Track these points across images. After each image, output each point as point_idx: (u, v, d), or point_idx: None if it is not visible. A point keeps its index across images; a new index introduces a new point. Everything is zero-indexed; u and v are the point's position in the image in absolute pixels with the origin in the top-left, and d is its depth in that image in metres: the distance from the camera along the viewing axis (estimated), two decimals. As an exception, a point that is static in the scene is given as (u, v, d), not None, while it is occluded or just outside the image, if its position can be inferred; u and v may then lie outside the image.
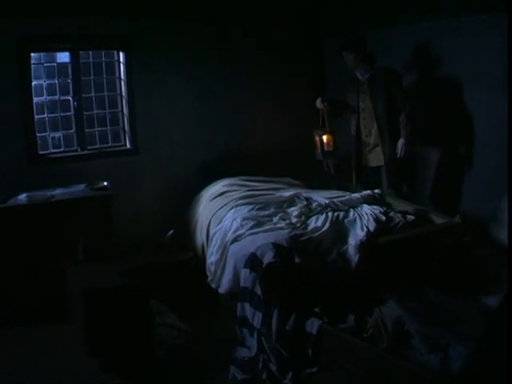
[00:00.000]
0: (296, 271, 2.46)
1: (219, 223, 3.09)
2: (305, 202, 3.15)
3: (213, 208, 3.30)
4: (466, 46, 3.26)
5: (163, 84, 3.86)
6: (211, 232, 3.12)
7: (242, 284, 2.58)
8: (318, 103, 3.54)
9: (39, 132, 3.58)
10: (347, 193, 3.39)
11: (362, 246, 2.56)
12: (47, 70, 3.58)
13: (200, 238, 3.29)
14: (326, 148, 3.51)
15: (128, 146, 3.90)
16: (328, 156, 3.57)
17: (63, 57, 3.64)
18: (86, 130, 3.76)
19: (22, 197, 3.09)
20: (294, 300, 2.38)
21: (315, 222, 2.88)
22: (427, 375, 1.94)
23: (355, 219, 2.91)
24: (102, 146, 3.84)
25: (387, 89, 3.36)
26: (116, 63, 3.80)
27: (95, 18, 3.49)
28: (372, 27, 3.72)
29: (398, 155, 3.38)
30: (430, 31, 3.46)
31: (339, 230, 2.79)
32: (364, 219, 2.88)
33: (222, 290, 2.86)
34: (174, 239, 3.58)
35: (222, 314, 2.91)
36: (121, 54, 3.77)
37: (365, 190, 3.37)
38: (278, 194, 3.40)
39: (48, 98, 3.60)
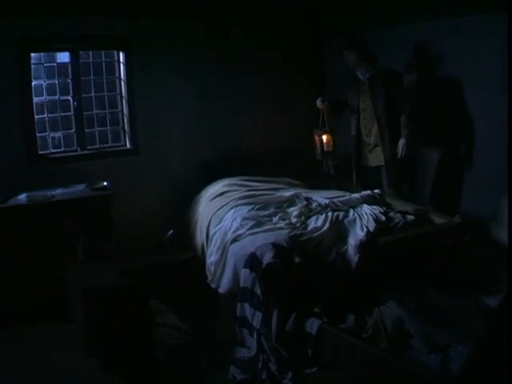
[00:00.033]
0: (296, 271, 2.46)
1: (219, 223, 3.09)
2: (305, 202, 3.15)
3: (213, 208, 3.30)
4: (466, 46, 3.26)
5: (163, 84, 3.86)
6: (211, 232, 3.12)
7: (241, 284, 2.58)
8: (319, 103, 3.54)
9: (39, 132, 3.58)
10: (347, 193, 3.39)
11: (362, 246, 2.56)
12: (47, 70, 3.58)
13: (200, 237, 3.30)
14: (325, 148, 3.51)
15: (128, 145, 3.90)
16: (327, 156, 3.57)
17: (63, 57, 3.64)
18: (86, 130, 3.76)
19: (22, 197, 3.09)
20: (294, 300, 2.38)
21: (315, 222, 2.88)
22: (427, 375, 1.94)
23: (355, 219, 2.91)
24: (101, 146, 3.84)
25: (388, 89, 3.36)
26: (116, 63, 3.80)
27: (95, 17, 3.49)
28: (372, 27, 3.72)
29: (399, 155, 3.38)
30: (430, 31, 3.47)
31: (339, 230, 2.79)
32: (364, 219, 2.88)
33: (221, 290, 2.86)
34: (173, 239, 3.58)
35: (222, 314, 2.91)
36: (121, 54, 3.77)
37: (365, 190, 3.37)
38: (278, 194, 3.40)
39: (48, 98, 3.60)
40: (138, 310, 2.46)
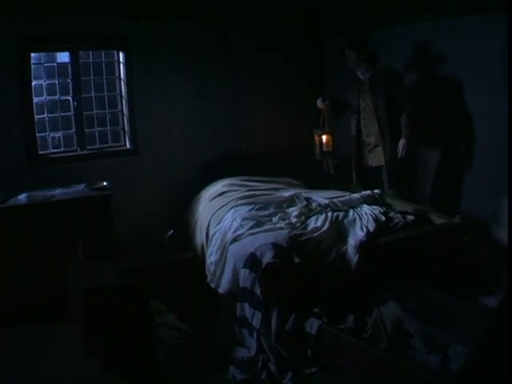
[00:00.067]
0: (295, 271, 2.46)
1: (219, 223, 3.09)
2: (304, 202, 3.15)
3: (212, 208, 3.30)
4: (466, 46, 3.26)
5: (163, 84, 3.86)
6: (211, 232, 3.12)
7: (241, 284, 2.58)
8: (319, 103, 3.54)
9: (39, 132, 3.58)
10: (347, 193, 3.39)
11: (362, 246, 2.55)
12: (47, 70, 3.58)
13: (200, 237, 3.30)
14: (324, 148, 3.51)
15: (128, 146, 3.90)
16: (326, 156, 3.57)
17: (63, 57, 3.64)
18: (86, 130, 3.76)
19: (22, 197, 3.09)
20: (294, 300, 2.38)
21: (315, 222, 2.88)
22: (427, 375, 1.94)
23: (355, 219, 2.91)
24: (101, 146, 3.85)
25: (388, 89, 3.35)
26: (116, 63, 3.80)
27: (95, 17, 3.49)
28: (372, 27, 3.72)
29: (399, 155, 3.38)
30: (430, 31, 3.46)
31: (339, 230, 2.79)
32: (364, 219, 2.88)
33: (221, 290, 2.86)
34: (173, 239, 3.58)
35: (222, 314, 2.91)
36: (121, 54, 3.77)
37: (364, 190, 3.37)
38: (278, 194, 3.40)
39: (48, 98, 3.60)
40: (138, 310, 2.46)
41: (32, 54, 3.46)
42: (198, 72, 3.98)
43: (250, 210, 3.10)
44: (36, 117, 3.53)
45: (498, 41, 2.82)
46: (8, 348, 2.69)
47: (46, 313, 2.85)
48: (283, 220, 2.95)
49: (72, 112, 3.68)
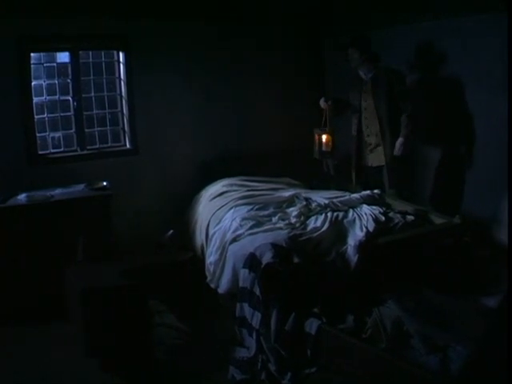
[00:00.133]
0: (295, 271, 2.46)
1: (218, 223, 3.09)
2: (304, 202, 3.15)
3: (212, 208, 3.30)
4: (466, 46, 3.26)
5: (163, 84, 3.87)
6: (210, 232, 3.12)
7: (240, 284, 2.58)
8: (322, 103, 3.53)
9: (39, 132, 3.58)
10: (347, 193, 3.39)
11: (361, 247, 2.55)
12: (47, 70, 3.59)
13: (199, 238, 3.30)
14: (324, 148, 3.51)
15: (128, 146, 3.90)
16: (325, 156, 3.56)
17: (63, 57, 3.64)
18: (86, 130, 3.76)
19: (22, 197, 3.09)
20: (293, 300, 2.38)
21: (314, 222, 2.88)
22: (426, 376, 1.94)
23: (354, 219, 2.90)
24: (101, 146, 3.85)
25: (390, 89, 3.35)
26: (116, 63, 3.80)
27: (95, 18, 3.49)
28: (372, 27, 3.72)
29: (395, 153, 3.37)
30: (430, 31, 3.46)
31: (338, 231, 2.79)
32: (363, 219, 2.88)
33: (221, 290, 2.86)
34: (173, 239, 3.58)
35: (221, 314, 2.91)
36: (121, 54, 3.77)
37: (364, 190, 3.37)
38: (278, 194, 3.40)
39: (48, 98, 3.60)
40: (138, 310, 2.46)
41: (32, 54, 3.47)
42: (198, 72, 3.98)
43: (249, 210, 3.09)
44: (36, 117, 3.53)
45: (498, 41, 2.82)
46: (8, 348, 2.69)
47: (46, 313, 2.85)
48: (283, 220, 2.95)
49: (72, 112, 3.68)
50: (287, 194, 3.36)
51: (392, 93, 3.36)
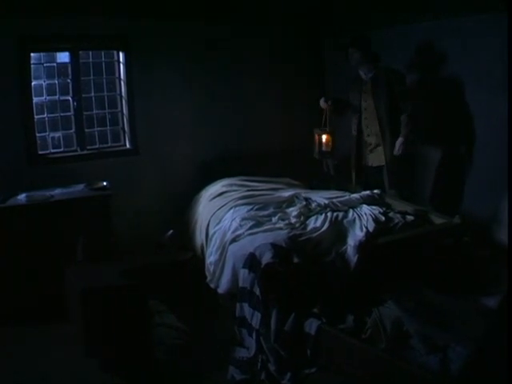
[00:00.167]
0: (295, 271, 2.46)
1: (218, 223, 3.09)
2: (304, 203, 3.15)
3: (212, 208, 3.30)
4: (466, 46, 3.26)
5: (163, 84, 3.87)
6: (210, 232, 3.12)
7: (240, 284, 2.58)
8: (322, 103, 3.53)
9: (39, 132, 3.58)
10: (347, 193, 3.38)
11: (361, 247, 2.55)
12: (47, 70, 3.59)
13: (199, 238, 3.30)
14: (323, 148, 3.51)
15: (128, 146, 3.90)
16: (324, 156, 3.56)
17: (63, 57, 3.64)
18: (86, 130, 3.76)
19: (22, 197, 3.09)
20: (293, 300, 2.38)
21: (314, 223, 2.88)
22: (426, 376, 1.94)
23: (354, 219, 2.90)
24: (101, 146, 3.85)
25: (390, 89, 3.35)
26: (116, 63, 3.80)
27: (95, 17, 3.49)
28: (372, 27, 3.72)
29: (395, 153, 3.37)
30: (430, 31, 3.46)
31: (338, 231, 2.79)
32: (363, 219, 2.88)
33: (221, 290, 2.86)
34: (173, 239, 3.59)
35: (221, 314, 2.91)
36: (121, 54, 3.77)
37: (364, 190, 3.37)
38: (278, 194, 3.40)
39: (48, 98, 3.60)
40: (138, 310, 2.46)
41: (32, 54, 3.47)
42: (198, 72, 3.98)
43: (249, 210, 3.09)
44: (36, 117, 3.53)
45: (498, 41, 2.82)
46: (8, 348, 2.69)
47: (46, 313, 2.85)
48: (283, 220, 2.95)
49: (72, 112, 3.68)
50: (287, 194, 3.36)
51: (392, 93, 3.36)
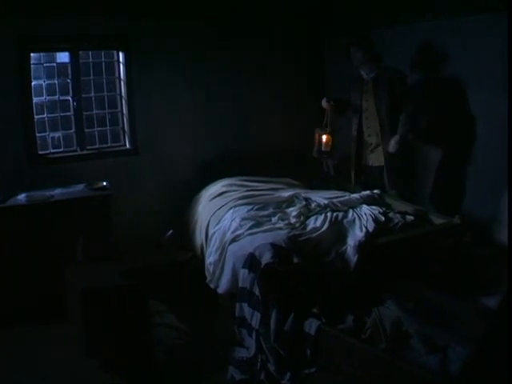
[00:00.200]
0: (294, 271, 2.46)
1: (218, 223, 3.09)
2: (304, 203, 3.15)
3: (212, 208, 3.30)
4: (466, 46, 3.26)
5: (163, 84, 3.87)
6: (210, 232, 3.12)
7: (240, 284, 2.58)
8: (324, 103, 3.53)
9: (39, 132, 3.58)
10: (346, 193, 3.38)
11: (361, 247, 2.55)
12: (47, 70, 3.59)
13: (199, 238, 3.30)
14: (323, 148, 3.50)
15: (128, 146, 3.90)
16: (323, 156, 3.56)
17: (63, 57, 3.65)
18: (86, 130, 3.76)
19: (22, 197, 3.10)
20: (293, 300, 2.37)
21: (314, 223, 2.88)
22: (426, 376, 1.94)
23: (354, 220, 2.90)
24: (101, 146, 3.85)
25: (391, 89, 3.34)
26: (116, 63, 3.80)
27: (95, 17, 3.49)
28: (372, 27, 3.72)
29: (389, 150, 3.37)
30: (430, 31, 3.46)
31: (338, 231, 2.79)
32: (363, 220, 2.88)
33: (220, 290, 2.86)
34: (173, 239, 3.59)
35: (221, 314, 2.91)
36: (120, 54, 3.77)
37: (364, 190, 3.36)
38: (277, 194, 3.40)
39: (48, 98, 3.60)
40: (137, 310, 2.46)
41: (32, 54, 3.47)
42: (198, 72, 3.98)
43: (249, 210, 3.09)
44: (36, 117, 3.54)
45: (498, 41, 2.81)
46: (8, 348, 2.69)
47: (46, 313, 2.86)
48: (282, 220, 2.95)
49: (72, 112, 3.68)
50: (287, 194, 3.36)
51: (393, 93, 3.35)
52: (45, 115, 3.61)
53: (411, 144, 3.48)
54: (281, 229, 2.82)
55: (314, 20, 4.27)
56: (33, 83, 3.49)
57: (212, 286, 2.97)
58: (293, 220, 2.92)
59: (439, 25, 3.39)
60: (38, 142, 3.58)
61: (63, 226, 3.02)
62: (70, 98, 3.67)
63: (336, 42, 4.13)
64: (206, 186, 3.71)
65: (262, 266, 2.44)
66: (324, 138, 3.50)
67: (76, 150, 3.73)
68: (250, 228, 2.85)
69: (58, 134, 3.68)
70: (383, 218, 2.89)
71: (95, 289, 2.43)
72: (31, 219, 2.99)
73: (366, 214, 2.94)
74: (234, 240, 2.83)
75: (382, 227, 2.80)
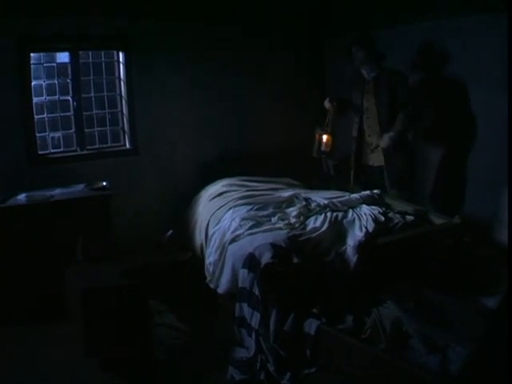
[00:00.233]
0: (294, 271, 2.46)
1: (218, 223, 3.09)
2: (304, 203, 3.15)
3: (212, 208, 3.30)
4: (466, 46, 3.26)
5: (163, 84, 3.87)
6: (210, 232, 3.12)
7: (240, 284, 2.58)
8: (326, 103, 3.53)
9: (39, 132, 3.58)
10: (346, 193, 3.38)
11: (361, 247, 2.55)
12: (47, 70, 3.59)
13: (199, 238, 3.30)
14: (323, 148, 3.50)
15: (128, 146, 3.90)
16: (323, 156, 3.56)
17: (63, 57, 3.65)
18: (86, 130, 3.76)
19: (22, 197, 3.10)
20: (292, 300, 2.37)
21: (314, 223, 2.88)
22: (426, 376, 1.94)
23: (354, 220, 2.90)
24: (101, 146, 3.85)
25: (391, 89, 3.34)
26: (116, 63, 3.80)
27: (95, 18, 3.50)
28: (372, 27, 3.72)
29: (382, 145, 3.36)
30: (430, 31, 3.46)
31: (338, 231, 2.78)
32: (363, 220, 2.88)
33: (220, 290, 2.86)
34: (173, 239, 3.59)
35: (221, 315, 2.91)
36: (120, 54, 3.77)
37: (364, 190, 3.36)
38: (277, 194, 3.40)
39: (47, 98, 3.60)
40: (137, 310, 2.46)
41: (32, 54, 3.47)
42: (198, 72, 3.98)
43: (249, 210, 3.09)
44: (36, 117, 3.54)
45: (498, 41, 2.81)
46: (8, 348, 2.69)
47: (46, 313, 2.86)
48: (282, 220, 2.95)
49: (72, 112, 3.68)
50: (287, 194, 3.36)
51: (394, 93, 3.35)
52: (45, 115, 3.61)
53: (411, 144, 3.48)
54: (281, 229, 2.82)
55: (313, 20, 4.27)
56: (33, 83, 3.49)
57: (212, 285, 2.97)
58: (293, 220, 2.92)
59: (439, 25, 3.39)
60: (38, 142, 3.58)
61: (63, 226, 3.02)
62: (69, 98, 3.67)
63: (336, 41, 4.14)
64: (206, 186, 3.71)
65: (262, 266, 2.44)
66: (324, 138, 3.50)
67: (76, 150, 3.73)
68: (250, 228, 2.85)
69: (57, 134, 3.68)
70: (383, 218, 2.89)
71: (95, 289, 2.43)
72: (31, 219, 2.99)
73: (365, 214, 2.94)
74: (233, 240, 2.83)
75: (381, 227, 2.80)
